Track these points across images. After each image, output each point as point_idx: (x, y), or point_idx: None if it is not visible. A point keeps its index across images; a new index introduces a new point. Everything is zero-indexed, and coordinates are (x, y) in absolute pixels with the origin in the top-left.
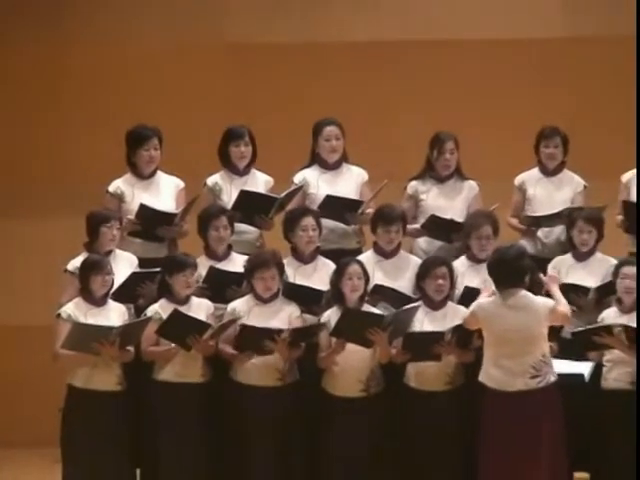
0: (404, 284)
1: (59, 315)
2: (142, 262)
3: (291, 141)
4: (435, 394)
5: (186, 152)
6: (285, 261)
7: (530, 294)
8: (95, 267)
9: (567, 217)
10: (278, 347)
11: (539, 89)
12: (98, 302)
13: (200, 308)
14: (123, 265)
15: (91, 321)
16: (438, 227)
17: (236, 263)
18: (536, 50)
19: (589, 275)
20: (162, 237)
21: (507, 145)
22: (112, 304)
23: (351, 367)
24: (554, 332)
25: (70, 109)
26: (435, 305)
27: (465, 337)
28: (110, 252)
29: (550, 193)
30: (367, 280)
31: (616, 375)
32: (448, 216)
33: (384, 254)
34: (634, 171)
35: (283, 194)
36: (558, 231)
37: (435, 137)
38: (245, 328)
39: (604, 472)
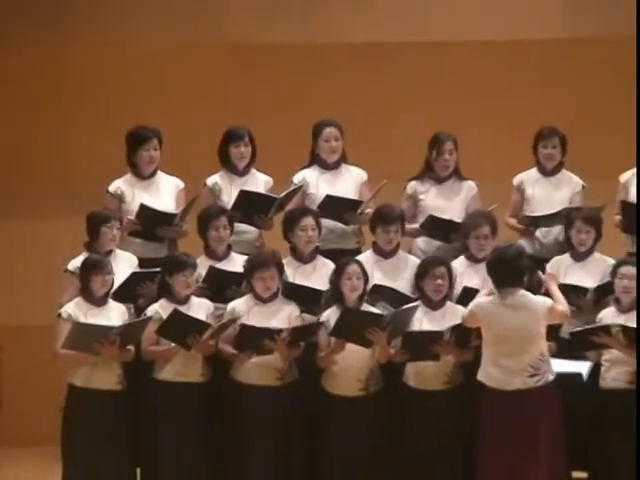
0: (403, 284)
1: (59, 315)
2: (142, 262)
3: (290, 141)
4: (434, 393)
5: (186, 152)
6: (284, 261)
7: (529, 293)
8: (95, 267)
9: (565, 217)
10: (278, 347)
11: (538, 90)
12: (98, 302)
13: (200, 308)
14: (123, 265)
15: (91, 321)
16: (437, 227)
17: (236, 263)
18: (535, 51)
19: (587, 275)
20: (162, 237)
21: (506, 145)
22: (112, 304)
23: (350, 366)
24: (552, 332)
25: (70, 109)
26: (434, 305)
27: (464, 337)
28: (110, 252)
29: (548, 193)
30: (366, 280)
31: (614, 374)
32: (447, 216)
33: (383, 254)
34: (632, 171)
35: (282, 194)
36: (556, 231)
37: (434, 138)
38: (245, 328)
39: (602, 471)
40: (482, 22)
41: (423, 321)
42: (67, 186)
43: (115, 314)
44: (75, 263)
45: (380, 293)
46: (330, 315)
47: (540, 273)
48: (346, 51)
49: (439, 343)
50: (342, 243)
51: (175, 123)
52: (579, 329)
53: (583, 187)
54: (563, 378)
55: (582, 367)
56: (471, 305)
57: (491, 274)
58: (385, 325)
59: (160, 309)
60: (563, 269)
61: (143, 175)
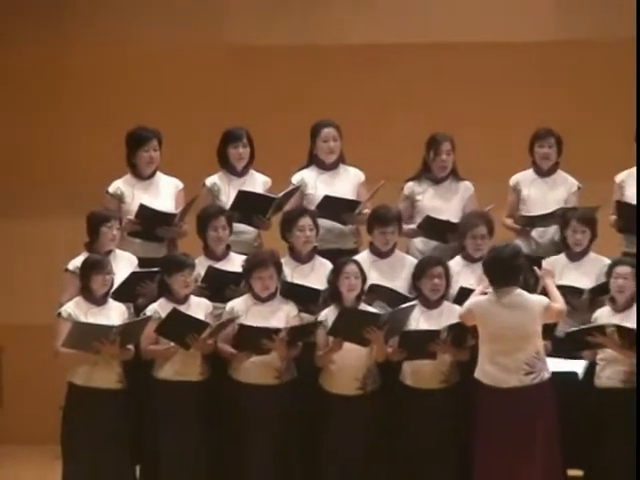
0: (400, 284)
1: (60, 314)
2: (142, 262)
3: (289, 142)
4: (431, 392)
5: (185, 153)
6: (283, 261)
7: (525, 292)
8: (96, 267)
9: (561, 217)
10: (276, 346)
11: (534, 91)
12: (98, 301)
13: (199, 307)
14: (123, 265)
15: (91, 320)
16: (434, 228)
17: (234, 263)
18: (532, 52)
19: (583, 275)
20: (162, 237)
21: (503, 146)
22: (112, 303)
23: (348, 365)
24: (548, 331)
25: (70, 109)
26: (431, 304)
27: (460, 336)
28: (110, 252)
29: (544, 193)
30: (364, 279)
31: (609, 373)
32: (444, 217)
33: (380, 254)
34: (628, 171)
35: (281, 194)
36: (552, 231)
37: (431, 138)
38: (243, 328)
39: (598, 469)
40: (480, 24)
41: (420, 320)
42: (67, 186)
43: (115, 313)
44: (75, 263)
45: (377, 293)
46: (328, 314)
47: (536, 269)
48: (345, 52)
49: (436, 342)
50: (340, 243)
51: (175, 123)
52: (574, 329)
53: (578, 188)
54: (559, 377)
55: (577, 366)
56: (468, 303)
57: (488, 273)
58: (382, 324)
59: (159, 308)
60: (559, 269)
61: (143, 176)
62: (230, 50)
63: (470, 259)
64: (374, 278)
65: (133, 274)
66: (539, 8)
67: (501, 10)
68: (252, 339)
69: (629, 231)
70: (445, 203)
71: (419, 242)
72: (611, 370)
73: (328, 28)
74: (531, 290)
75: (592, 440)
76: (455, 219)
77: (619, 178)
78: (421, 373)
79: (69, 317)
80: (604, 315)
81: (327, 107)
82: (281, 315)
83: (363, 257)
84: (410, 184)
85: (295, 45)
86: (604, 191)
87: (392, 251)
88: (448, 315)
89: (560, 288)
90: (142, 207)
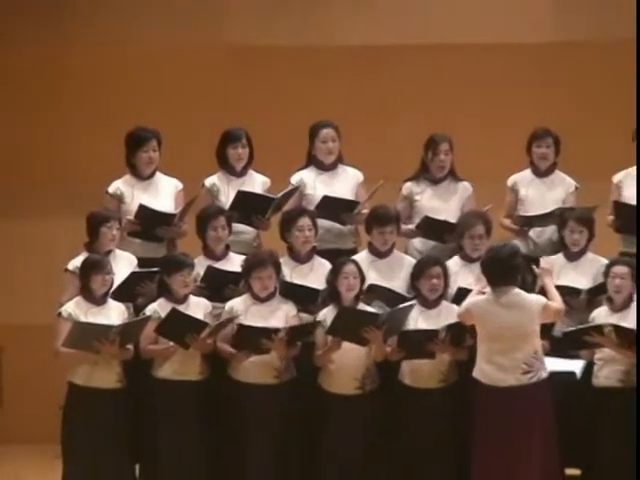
0: (398, 284)
1: (60, 314)
2: (141, 262)
3: (289, 142)
4: (429, 391)
5: (185, 153)
6: (282, 261)
7: (522, 292)
8: (95, 267)
9: (559, 217)
10: (275, 346)
11: (533, 92)
12: (98, 301)
13: (198, 307)
14: (123, 265)
15: (91, 320)
16: (432, 228)
17: (234, 263)
18: (530, 54)
19: (580, 275)
20: (161, 237)
21: (501, 147)
22: (112, 303)
23: (347, 365)
24: (545, 330)
25: (70, 109)
26: (429, 304)
27: (459, 335)
28: (110, 252)
29: (542, 194)
30: (363, 279)
31: (607, 373)
32: (442, 217)
33: (378, 254)
34: (625, 172)
35: (280, 195)
36: (550, 231)
37: (430, 139)
38: (242, 328)
39: (595, 468)
40: (479, 25)
41: (419, 320)
42: (67, 186)
43: (115, 313)
44: (75, 263)
45: (376, 292)
46: (327, 314)
47: (535, 268)
48: (344, 53)
49: (434, 342)
50: (339, 243)
51: (174, 124)
52: (572, 329)
53: (576, 188)
54: (556, 376)
55: (575, 365)
56: (466, 303)
57: (486, 273)
58: (381, 324)
59: (159, 308)
60: (556, 269)
61: (142, 176)
62: (230, 50)
63: (468, 259)
64: (373, 278)
65: (133, 274)
66: (538, 9)
67: (500, 11)
68: (251, 339)
69: (627, 231)
70: (443, 203)
71: (418, 242)
72: (609, 370)
73: (328, 29)
74: (529, 290)
75: (590, 439)
76: (453, 219)
77: (617, 178)
78: (420, 373)
79: (69, 317)
80: (601, 315)
81: (326, 107)
82: (280, 315)
83: (362, 257)
84: (408, 184)
85: (295, 45)
86: (602, 191)
87: (391, 251)
88: (446, 315)
89: (558, 288)
90: (142, 207)
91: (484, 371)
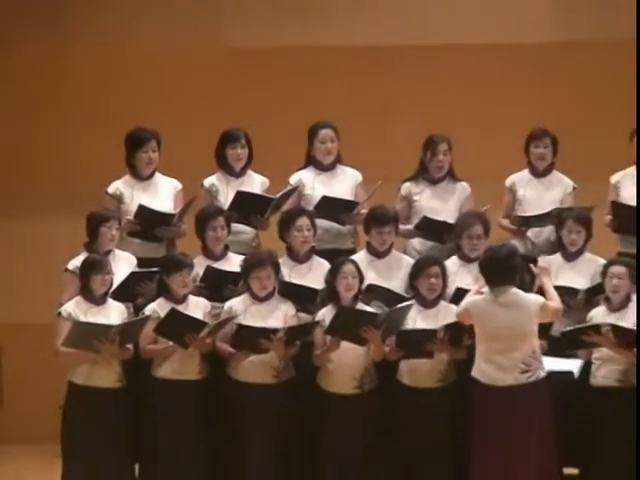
0: (396, 284)
1: (59, 314)
2: (141, 262)
3: (288, 143)
4: (428, 391)
5: (184, 153)
6: (280, 261)
7: (521, 292)
8: (95, 266)
9: (556, 217)
10: (274, 345)
11: (532, 92)
12: (98, 301)
13: (197, 307)
14: (122, 265)
15: (91, 319)
16: (431, 228)
17: (233, 263)
18: (530, 54)
19: (578, 275)
20: (160, 237)
21: (500, 147)
22: (112, 303)
23: (345, 364)
24: (543, 330)
25: (70, 109)
26: (428, 304)
27: (457, 335)
28: (109, 252)
29: (540, 194)
30: (361, 279)
31: (605, 372)
32: (441, 217)
33: (377, 254)
34: (622, 172)
35: (278, 195)
36: (548, 231)
37: (428, 139)
38: (242, 328)
39: (593, 467)
40: (479, 26)
41: (417, 320)
42: (67, 186)
43: (114, 313)
44: (75, 263)
45: (374, 292)
46: (325, 314)
47: (532, 267)
48: (344, 54)
49: (433, 341)
50: (338, 243)
51: (174, 124)
52: (570, 328)
53: (574, 188)
54: (554, 376)
55: (573, 365)
56: (464, 302)
57: (484, 273)
58: (380, 323)
59: (158, 308)
60: (554, 269)
61: (142, 176)
62: (230, 51)
63: (466, 259)
64: (371, 278)
65: (132, 274)
66: (538, 10)
67: (500, 12)
68: (250, 339)
69: (625, 231)
70: (442, 204)
71: (416, 242)
72: (606, 369)
73: (327, 29)
74: (527, 290)
75: (588, 439)
76: (452, 220)
77: (614, 179)
78: (418, 372)
79: (69, 317)
80: (599, 315)
81: (326, 108)
82: (279, 314)
83: (360, 257)
84: (407, 184)
85: (294, 46)
86: (599, 191)
87: (389, 251)
88: (445, 314)
89: (556, 288)
90: (141, 207)
91: (483, 370)
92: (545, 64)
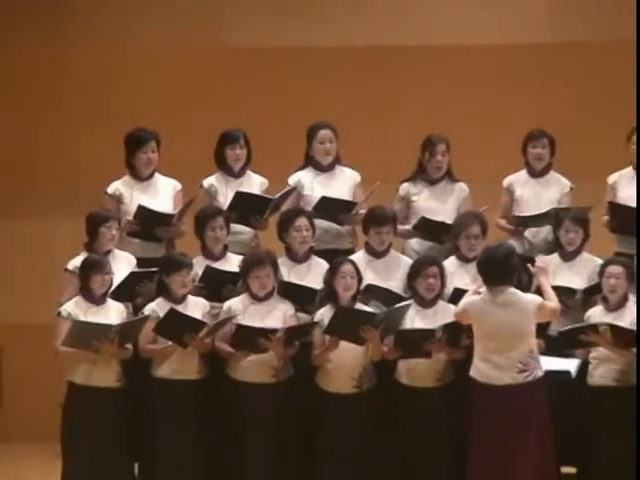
0: (395, 283)
1: (59, 313)
2: (140, 262)
3: (288, 143)
4: (426, 390)
5: (184, 154)
6: (279, 261)
7: (518, 291)
8: (95, 267)
9: (554, 217)
10: (273, 345)
11: (531, 93)
12: (97, 301)
13: (196, 307)
14: (122, 265)
15: (91, 319)
16: (429, 229)
17: (232, 263)
18: (529, 55)
19: (575, 275)
20: (160, 237)
21: (499, 148)
22: (111, 303)
23: (344, 364)
24: (541, 329)
25: (70, 109)
26: (426, 303)
27: (455, 335)
28: (109, 252)
29: (537, 194)
30: (360, 279)
31: (602, 372)
32: (439, 218)
33: (375, 254)
34: (619, 173)
35: (277, 195)
36: (545, 231)
37: (427, 140)
38: (241, 328)
39: (591, 466)
40: (478, 26)
41: (415, 319)
42: (67, 186)
43: (114, 313)
44: (75, 263)
45: (373, 292)
46: (324, 314)
47: (530, 266)
48: (343, 54)
49: (431, 341)
50: (337, 243)
51: (174, 124)
52: (567, 328)
53: (571, 188)
54: (552, 375)
55: (570, 365)
56: (463, 302)
57: (482, 273)
58: (378, 323)
59: (157, 308)
60: (552, 269)
61: (141, 177)
62: (230, 51)
63: (464, 259)
64: (370, 278)
65: (132, 274)
66: (537, 10)
67: (499, 12)
68: (249, 339)
69: (622, 232)
70: (440, 204)
71: (415, 242)
72: (604, 369)
73: (327, 30)
74: (525, 289)
75: (585, 438)
76: (450, 220)
77: (611, 179)
78: (416, 372)
79: (69, 316)
80: (596, 314)
81: (325, 109)
82: (278, 314)
83: (359, 257)
84: (405, 185)
85: (294, 46)
86: (597, 192)
87: (387, 251)
88: (443, 314)
89: (553, 288)
90: (140, 208)
91: (480, 370)
92: (544, 64)
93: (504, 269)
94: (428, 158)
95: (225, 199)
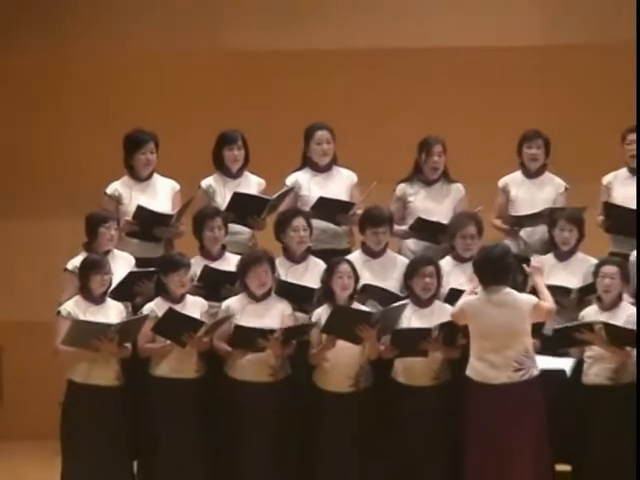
0: (391, 283)
1: (59, 313)
2: (139, 262)
3: (286, 144)
4: (422, 389)
5: (183, 154)
6: (277, 261)
7: (514, 291)
8: (94, 266)
9: (549, 217)
10: (271, 345)
11: (530, 94)
12: (97, 300)
13: (194, 306)
14: (121, 264)
15: (90, 318)
16: (425, 229)
17: (230, 263)
18: (528, 56)
19: (570, 275)
20: (159, 237)
21: (496, 149)
22: (110, 302)
23: (341, 363)
24: (536, 329)
25: (70, 109)
26: (422, 303)
27: (451, 334)
28: (108, 252)
29: (532, 194)
30: (357, 279)
31: (596, 371)
32: (435, 218)
33: (372, 254)
34: (614, 173)
35: (275, 196)
36: (540, 231)
37: (423, 141)
38: (239, 328)
39: (586, 465)
40: (476, 28)
41: (412, 319)
42: (67, 186)
43: (113, 312)
44: (74, 263)
45: (370, 292)
46: (321, 313)
47: (525, 266)
48: (342, 56)
49: (427, 340)
50: (334, 243)
51: (174, 125)
52: (562, 325)
53: (566, 188)
54: (547, 374)
55: (565, 363)
56: (460, 302)
57: (478, 272)
58: (375, 322)
59: (156, 307)
60: (547, 269)
61: (140, 177)
62: (229, 53)
63: (460, 259)
64: (366, 278)
65: (131, 274)
66: (536, 12)
67: (498, 14)
68: (247, 339)
69: (616, 232)
70: (436, 205)
71: (411, 242)
72: (598, 367)
73: (326, 32)
74: (520, 289)
75: (580, 436)
76: (446, 221)
77: (606, 180)
78: (413, 370)
79: (68, 316)
80: (591, 314)
81: (323, 110)
82: (276, 313)
83: (355, 257)
84: (402, 185)
85: (293, 48)
86: (591, 192)
87: (384, 251)
88: (439, 314)
89: (548, 288)
90: (139, 208)
91: (476, 369)
92: (542, 67)
93: (500, 269)
94: (425, 159)
95: (223, 200)
